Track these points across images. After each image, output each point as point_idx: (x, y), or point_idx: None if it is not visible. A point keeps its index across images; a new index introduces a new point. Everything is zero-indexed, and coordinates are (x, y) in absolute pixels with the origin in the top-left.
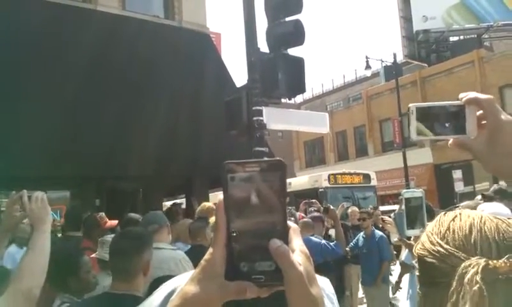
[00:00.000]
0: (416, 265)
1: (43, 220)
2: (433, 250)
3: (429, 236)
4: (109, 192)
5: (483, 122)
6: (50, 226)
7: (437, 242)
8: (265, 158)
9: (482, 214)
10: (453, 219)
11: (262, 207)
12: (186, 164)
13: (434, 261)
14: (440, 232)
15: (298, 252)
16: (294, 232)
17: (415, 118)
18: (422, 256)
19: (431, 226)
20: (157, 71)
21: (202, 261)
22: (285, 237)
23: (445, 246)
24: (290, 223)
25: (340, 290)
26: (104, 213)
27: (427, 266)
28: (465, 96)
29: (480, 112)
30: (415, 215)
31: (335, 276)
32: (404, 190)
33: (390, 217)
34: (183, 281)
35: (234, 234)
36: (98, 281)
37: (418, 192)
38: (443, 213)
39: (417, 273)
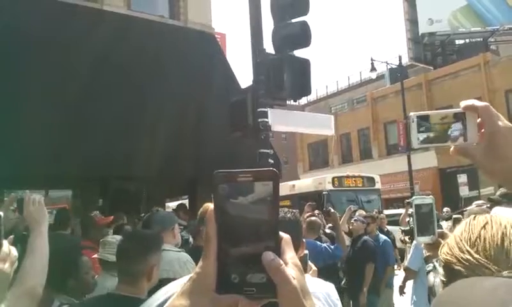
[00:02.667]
0: (441, 269)
1: (40, 222)
2: (462, 258)
3: (458, 242)
4: (112, 192)
5: (482, 130)
6: (47, 227)
7: (467, 250)
8: (258, 169)
9: None
10: (484, 227)
11: (253, 218)
12: (190, 164)
13: (462, 269)
14: (470, 239)
15: (291, 266)
16: (286, 243)
17: (416, 126)
18: (449, 262)
19: (459, 230)
20: (161, 71)
21: (193, 274)
22: (277, 249)
23: (476, 255)
24: (282, 234)
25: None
26: (98, 212)
27: (454, 273)
28: (464, 103)
29: (480, 119)
30: (425, 222)
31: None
32: (414, 197)
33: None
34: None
35: (225, 246)
36: (96, 282)
37: (428, 199)
38: (472, 217)
39: (442, 278)
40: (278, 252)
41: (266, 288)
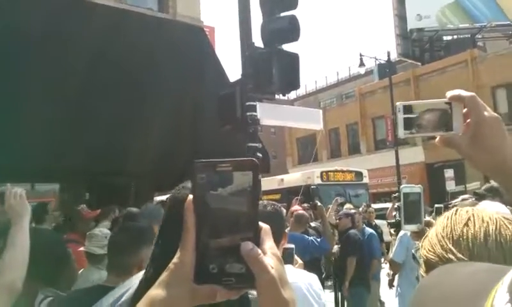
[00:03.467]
0: (423, 265)
1: (21, 215)
2: (445, 257)
3: (440, 239)
4: (99, 186)
5: (468, 120)
6: (28, 221)
7: (449, 249)
8: (237, 158)
9: (496, 218)
10: (466, 223)
11: (232, 208)
12: (179, 158)
13: None
14: (453, 237)
15: (270, 255)
16: (265, 233)
17: (403, 116)
18: (431, 260)
19: (440, 225)
20: (150, 64)
21: (170, 265)
22: (256, 239)
23: (459, 255)
24: (262, 224)
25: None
26: (85, 206)
27: None
28: (451, 93)
29: (466, 109)
30: (412, 211)
31: None
32: (403, 185)
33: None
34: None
35: (204, 236)
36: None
37: (416, 188)
38: (454, 210)
39: (422, 274)
40: (257, 242)
41: (245, 279)
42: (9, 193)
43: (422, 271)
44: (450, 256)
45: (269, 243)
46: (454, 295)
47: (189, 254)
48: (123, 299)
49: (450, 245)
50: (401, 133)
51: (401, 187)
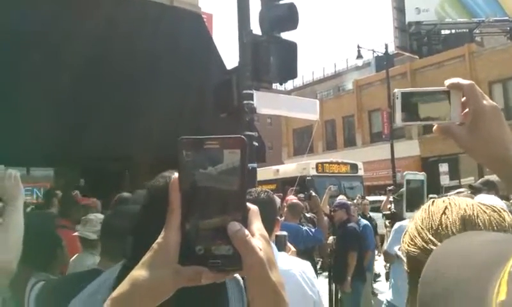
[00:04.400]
0: (404, 260)
1: (15, 197)
2: (426, 249)
3: (420, 231)
4: (94, 172)
5: (467, 110)
6: (22, 202)
7: (430, 240)
8: (225, 135)
9: (474, 204)
10: (444, 212)
11: (220, 187)
12: (173, 146)
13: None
14: (432, 227)
15: (258, 236)
16: (253, 214)
17: (400, 103)
18: (412, 253)
19: (419, 217)
20: (147, 51)
21: (154, 245)
22: (244, 220)
23: (439, 244)
24: (250, 205)
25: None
26: (78, 192)
27: (419, 264)
28: (449, 81)
29: (464, 98)
30: (414, 198)
31: None
32: (406, 172)
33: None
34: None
35: (190, 216)
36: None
37: (420, 175)
38: (431, 202)
39: (406, 268)
40: (245, 223)
41: (232, 261)
42: (3, 174)
43: (405, 266)
44: (431, 246)
45: (257, 224)
46: (470, 261)
47: (174, 235)
48: (108, 283)
49: (430, 236)
50: (398, 120)
51: (404, 173)
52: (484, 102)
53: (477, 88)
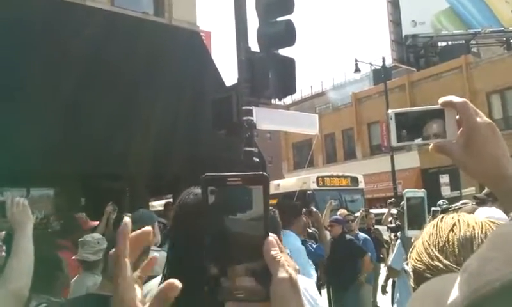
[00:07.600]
0: (411, 275)
1: (24, 224)
2: (431, 265)
3: (427, 247)
4: (94, 191)
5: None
6: (31, 229)
7: (435, 256)
8: (248, 172)
9: (482, 223)
10: (452, 229)
11: (243, 221)
12: (174, 163)
13: (432, 277)
14: (439, 244)
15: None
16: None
17: (395, 124)
18: (418, 268)
19: (427, 233)
20: (145, 69)
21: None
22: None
23: (445, 262)
24: (272, 236)
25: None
26: (84, 214)
27: (425, 281)
28: (443, 99)
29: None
30: (415, 216)
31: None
32: (406, 190)
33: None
34: (155, 285)
35: (215, 249)
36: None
37: (420, 193)
38: (440, 217)
39: (412, 284)
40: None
41: (254, 292)
42: (11, 202)
43: (411, 282)
44: (437, 263)
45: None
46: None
47: (126, 289)
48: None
49: (436, 252)
50: (393, 141)
51: (404, 191)
52: (478, 119)
53: (470, 105)
